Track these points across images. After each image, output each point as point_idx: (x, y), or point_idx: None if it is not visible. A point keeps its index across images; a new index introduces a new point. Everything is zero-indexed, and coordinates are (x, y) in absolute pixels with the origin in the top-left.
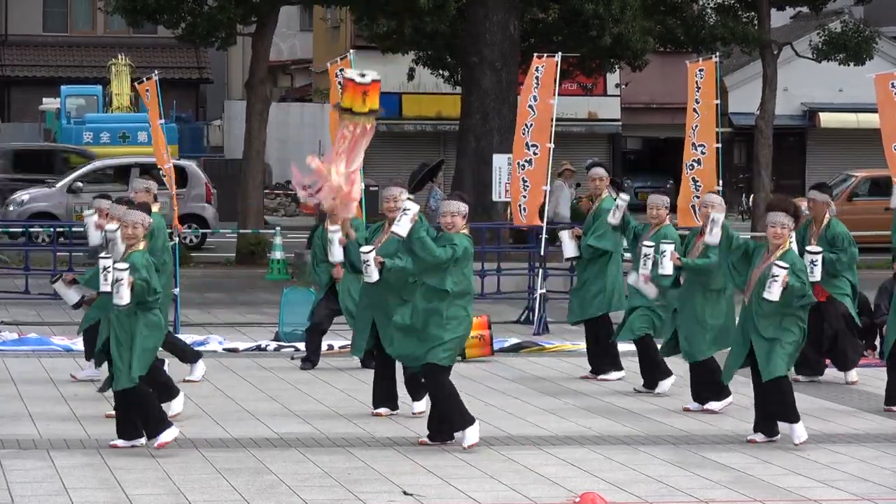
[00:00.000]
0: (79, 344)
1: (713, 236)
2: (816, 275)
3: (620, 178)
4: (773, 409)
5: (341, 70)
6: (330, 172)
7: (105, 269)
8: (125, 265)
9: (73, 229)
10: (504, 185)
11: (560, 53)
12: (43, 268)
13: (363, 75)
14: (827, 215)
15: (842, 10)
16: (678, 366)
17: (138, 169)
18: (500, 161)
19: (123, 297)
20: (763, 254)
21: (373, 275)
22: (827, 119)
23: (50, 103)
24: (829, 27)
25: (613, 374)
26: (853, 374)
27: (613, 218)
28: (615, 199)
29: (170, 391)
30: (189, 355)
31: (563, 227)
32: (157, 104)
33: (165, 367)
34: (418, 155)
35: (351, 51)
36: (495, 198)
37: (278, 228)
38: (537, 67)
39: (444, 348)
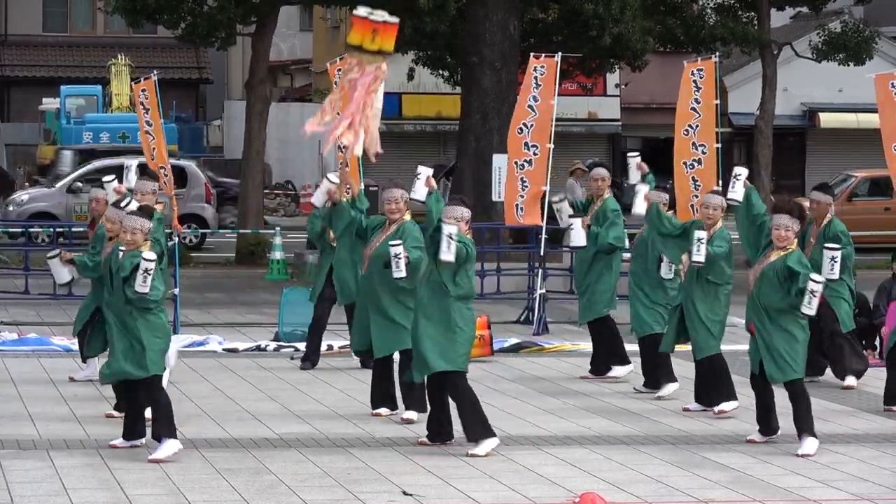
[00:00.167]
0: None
1: (735, 192)
2: (836, 272)
3: (620, 178)
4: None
5: (340, 70)
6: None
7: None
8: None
9: (73, 229)
10: (504, 184)
11: (560, 53)
12: (43, 268)
13: (378, 15)
14: (829, 215)
15: (842, 10)
16: (679, 366)
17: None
18: (499, 161)
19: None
20: (767, 252)
21: (403, 270)
22: (827, 119)
23: (50, 103)
24: (829, 27)
25: (622, 370)
26: (850, 380)
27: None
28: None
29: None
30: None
31: (575, 216)
32: (156, 104)
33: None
34: (418, 155)
35: None
36: (495, 198)
37: (278, 228)
38: (536, 68)
39: (459, 353)
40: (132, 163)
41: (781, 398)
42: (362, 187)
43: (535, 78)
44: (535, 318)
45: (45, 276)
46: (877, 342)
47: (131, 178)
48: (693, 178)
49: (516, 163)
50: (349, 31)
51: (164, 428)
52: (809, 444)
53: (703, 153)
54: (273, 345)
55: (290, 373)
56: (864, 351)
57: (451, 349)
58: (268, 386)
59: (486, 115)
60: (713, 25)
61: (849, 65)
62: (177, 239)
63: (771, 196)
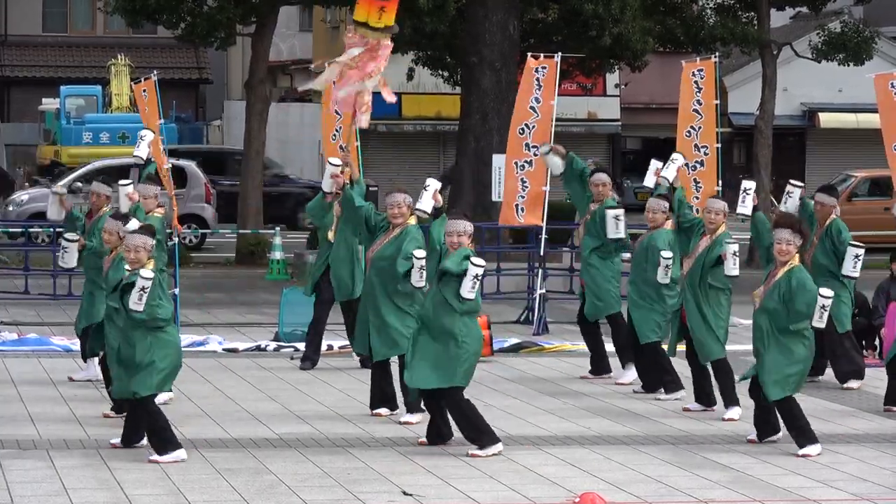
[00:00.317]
0: (78, 344)
1: (745, 206)
2: (857, 270)
3: (620, 178)
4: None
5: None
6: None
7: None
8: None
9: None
10: (504, 184)
11: (560, 53)
12: (42, 268)
13: None
14: (832, 216)
15: (841, 10)
16: (679, 365)
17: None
18: (499, 161)
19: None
20: (771, 270)
21: (423, 280)
22: (826, 119)
23: (50, 103)
24: (829, 27)
25: (630, 376)
26: (852, 382)
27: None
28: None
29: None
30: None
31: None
32: (156, 104)
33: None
34: (418, 155)
35: None
36: (495, 198)
37: (278, 228)
38: (537, 69)
39: (460, 369)
40: (147, 133)
41: None
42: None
43: (537, 79)
44: (535, 318)
45: (44, 277)
46: (876, 342)
47: (143, 149)
48: (695, 179)
49: (516, 163)
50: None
51: (167, 443)
52: (810, 449)
53: (705, 154)
54: (273, 345)
55: (290, 373)
56: (864, 351)
57: (449, 365)
58: (268, 386)
59: (485, 115)
60: (713, 25)
61: (849, 65)
62: (177, 239)
63: (771, 196)
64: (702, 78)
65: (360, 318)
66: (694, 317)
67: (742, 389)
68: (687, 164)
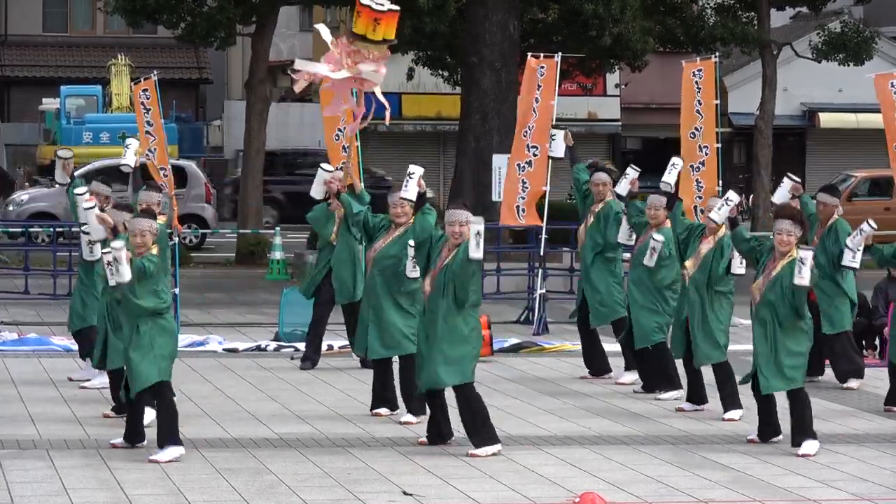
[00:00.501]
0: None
1: (777, 195)
2: (857, 261)
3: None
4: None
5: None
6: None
7: (107, 260)
8: (120, 243)
9: (73, 229)
10: (504, 185)
11: (560, 53)
12: (43, 268)
13: (380, 3)
14: (835, 216)
15: (841, 10)
16: (680, 367)
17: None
18: (499, 161)
19: (124, 274)
20: (769, 262)
21: (413, 272)
22: (826, 119)
23: (50, 103)
24: (829, 27)
25: (631, 377)
26: (852, 382)
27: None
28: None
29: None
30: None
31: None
32: (157, 104)
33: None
34: (418, 155)
35: None
36: (495, 198)
37: (278, 228)
38: (539, 69)
39: (468, 364)
40: (132, 141)
41: (781, 400)
42: (363, 186)
43: (539, 80)
44: (535, 318)
45: (45, 277)
46: (876, 342)
47: (129, 156)
48: (696, 179)
49: (518, 164)
50: (355, 19)
51: (168, 435)
52: (809, 445)
53: (706, 154)
54: (273, 345)
55: (290, 373)
56: (864, 351)
57: (459, 361)
58: (268, 386)
59: (485, 115)
60: (713, 25)
61: (849, 65)
62: (177, 239)
63: (771, 196)
64: (701, 78)
65: (360, 319)
66: (696, 319)
67: (744, 389)
68: (692, 167)
